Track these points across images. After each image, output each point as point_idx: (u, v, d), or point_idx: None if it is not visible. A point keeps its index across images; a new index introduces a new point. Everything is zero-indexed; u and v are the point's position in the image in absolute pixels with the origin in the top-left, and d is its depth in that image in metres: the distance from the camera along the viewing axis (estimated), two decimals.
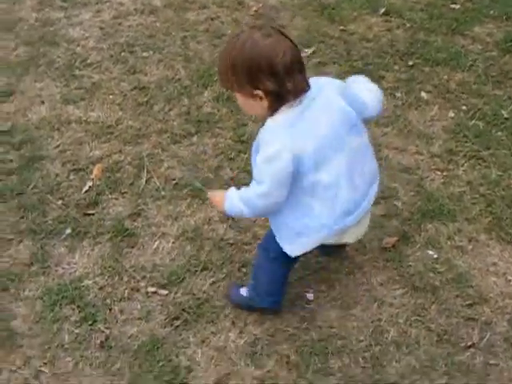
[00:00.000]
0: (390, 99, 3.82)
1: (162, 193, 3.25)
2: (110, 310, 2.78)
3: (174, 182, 3.30)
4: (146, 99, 3.76)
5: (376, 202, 3.08)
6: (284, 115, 2.10)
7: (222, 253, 2.97)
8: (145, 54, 4.08)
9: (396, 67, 4.08)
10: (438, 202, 3.22)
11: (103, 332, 2.70)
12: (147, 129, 3.57)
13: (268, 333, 2.69)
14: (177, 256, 2.98)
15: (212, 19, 4.42)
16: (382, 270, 2.94)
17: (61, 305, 2.78)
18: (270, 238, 2.41)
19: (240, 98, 2.16)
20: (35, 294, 2.83)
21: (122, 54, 4.08)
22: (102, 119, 3.64)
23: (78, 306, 2.77)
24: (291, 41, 2.09)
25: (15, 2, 4.60)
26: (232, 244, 3.01)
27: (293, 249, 2.34)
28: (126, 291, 2.85)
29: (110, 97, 3.78)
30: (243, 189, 2.25)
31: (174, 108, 3.71)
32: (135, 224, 3.11)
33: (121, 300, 2.82)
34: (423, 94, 3.87)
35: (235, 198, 2.25)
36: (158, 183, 3.29)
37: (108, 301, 2.80)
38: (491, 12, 4.56)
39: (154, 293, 2.84)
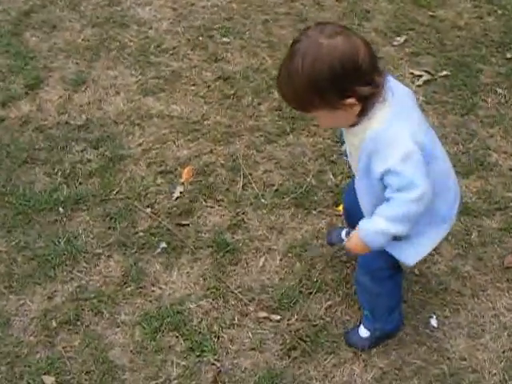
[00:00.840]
0: (491, 96, 3.46)
1: (262, 200, 2.92)
2: (219, 338, 2.48)
3: (274, 188, 2.97)
4: (232, 91, 3.40)
5: (490, 214, 2.77)
6: (384, 112, 1.86)
7: (336, 272, 2.65)
8: (225, 40, 3.72)
9: (493, 60, 3.72)
10: None
11: (214, 364, 2.40)
12: (237, 126, 3.24)
13: (395, 366, 2.40)
14: (286, 275, 2.66)
15: (292, 1, 4.02)
16: (506, 292, 2.63)
17: (163, 332, 2.48)
18: (369, 258, 2.15)
19: (323, 115, 1.87)
20: (132, 318, 2.52)
21: (200, 38, 3.71)
22: (186, 114, 3.30)
23: (182, 334, 2.47)
24: (349, 29, 1.85)
25: None
26: (346, 262, 2.68)
27: (411, 256, 2.13)
28: (235, 316, 2.52)
29: (193, 88, 3.44)
30: (380, 209, 1.95)
31: (263, 102, 3.37)
32: (236, 237, 2.79)
33: (229, 327, 2.51)
34: None
35: (374, 225, 1.95)
36: (256, 189, 2.96)
37: (215, 327, 2.49)
38: None
39: (265, 318, 2.54)
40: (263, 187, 2.98)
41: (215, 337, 2.48)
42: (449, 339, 2.48)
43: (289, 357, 2.43)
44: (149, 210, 2.89)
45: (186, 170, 3.00)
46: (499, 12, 4.08)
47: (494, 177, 3.07)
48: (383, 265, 2.20)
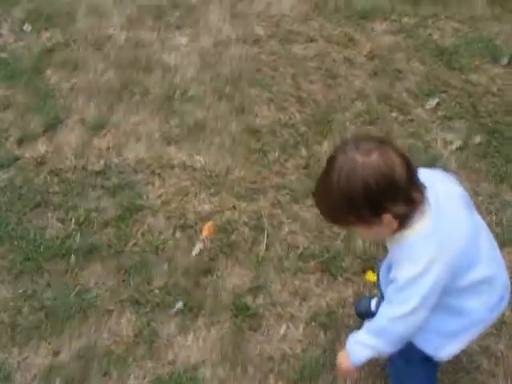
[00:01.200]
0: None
1: (286, 264, 2.75)
2: None
3: (299, 250, 2.80)
4: (258, 146, 3.26)
5: None
6: (422, 225, 1.80)
7: None
8: (252, 92, 3.57)
9: None
10: None
11: None
12: (262, 182, 3.08)
13: None
14: (309, 346, 2.49)
15: (322, 55, 3.92)
16: None
17: None
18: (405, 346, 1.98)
19: (360, 230, 1.84)
20: (142, 383, 2.33)
21: (227, 88, 3.58)
22: (209, 166, 3.16)
23: None
24: (387, 142, 1.79)
25: (102, 16, 4.12)
26: None
27: (442, 352, 2.02)
28: None
29: (217, 139, 3.28)
30: (367, 323, 1.94)
31: (290, 159, 3.22)
32: (257, 302, 2.62)
33: None
34: None
35: (359, 338, 1.94)
36: (280, 251, 2.79)
37: None
38: None
39: None
40: (287, 249, 2.82)
41: None
42: None
43: None
44: (166, 265, 2.71)
45: (206, 226, 2.84)
46: None
47: None
48: (420, 354, 2.04)
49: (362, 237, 2.10)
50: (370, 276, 2.72)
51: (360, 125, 3.46)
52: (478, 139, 3.48)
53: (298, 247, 2.83)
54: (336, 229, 2.91)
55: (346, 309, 2.62)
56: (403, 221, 1.77)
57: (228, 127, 3.39)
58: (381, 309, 1.89)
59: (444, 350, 2.01)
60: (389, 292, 1.86)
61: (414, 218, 1.77)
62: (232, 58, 3.86)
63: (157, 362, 2.41)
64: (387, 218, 1.73)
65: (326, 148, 3.31)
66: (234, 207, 2.98)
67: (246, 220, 2.93)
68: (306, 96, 3.64)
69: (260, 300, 2.64)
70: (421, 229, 1.78)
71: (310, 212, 3.00)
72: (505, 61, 4.10)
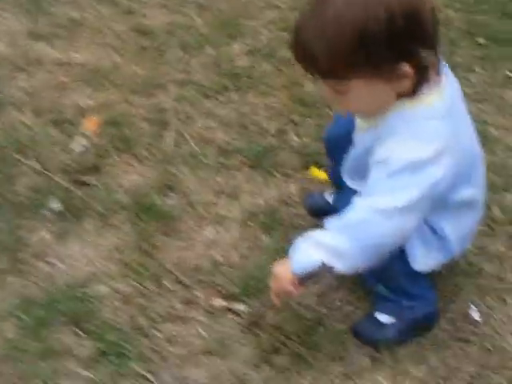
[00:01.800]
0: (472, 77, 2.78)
1: (203, 160, 2.00)
2: (148, 337, 1.48)
3: (218, 145, 2.06)
4: (153, 45, 2.52)
5: (510, 188, 2.02)
6: (435, 97, 1.34)
7: None
8: None
9: None
10: None
11: (142, 378, 1.39)
12: (162, 78, 2.34)
13: (440, 374, 1.53)
14: (249, 251, 1.76)
15: None
16: None
17: (53, 327, 1.47)
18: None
19: (356, 88, 1.30)
20: (3, 307, 1.48)
21: None
22: (91, 62, 2.37)
23: (87, 331, 1.51)
24: None
25: None
26: None
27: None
28: (174, 305, 1.56)
29: (99, 38, 2.53)
30: (329, 219, 1.41)
31: (194, 58, 2.50)
32: (168, 202, 1.85)
33: (166, 320, 1.55)
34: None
35: (312, 234, 1.40)
36: (194, 147, 2.04)
37: (142, 321, 1.52)
38: None
39: (224, 308, 1.60)
40: (203, 144, 2.07)
41: (143, 335, 1.49)
42: (505, 337, 1.61)
43: (270, 365, 1.47)
44: (38, 166, 1.89)
45: (89, 120, 2.05)
46: None
47: (501, 150, 2.32)
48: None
49: (346, 105, 1.39)
50: (315, 172, 2.04)
51: (275, 30, 2.80)
52: None
53: (217, 144, 2.09)
54: (263, 124, 2.21)
55: (292, 208, 1.90)
56: (421, 80, 1.30)
57: (112, 27, 2.63)
58: (355, 200, 1.36)
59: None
60: (372, 179, 1.35)
61: (427, 85, 1.32)
62: None
63: (25, 277, 1.57)
64: (406, 68, 1.26)
65: (237, 49, 2.63)
66: (127, 101, 2.22)
67: (144, 113, 2.17)
68: (206, 3, 2.94)
69: (173, 200, 1.87)
70: (434, 104, 1.33)
71: (226, 109, 2.28)
72: None
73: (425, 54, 1.27)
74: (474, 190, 1.52)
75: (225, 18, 2.78)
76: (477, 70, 2.78)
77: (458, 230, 1.52)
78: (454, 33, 3.02)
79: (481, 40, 3.06)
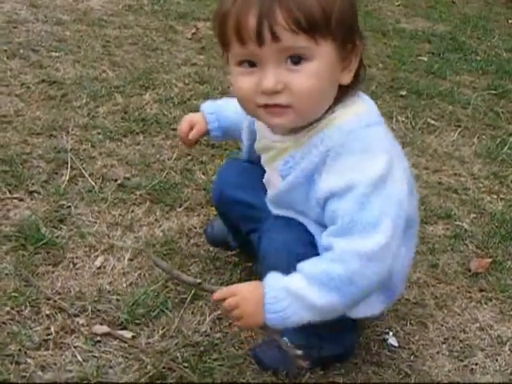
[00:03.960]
0: (395, 123, 2.82)
1: (100, 195, 1.92)
2: (19, 364, 1.37)
3: (118, 182, 1.99)
4: (60, 93, 2.48)
5: (431, 221, 2.01)
6: (360, 106, 1.24)
7: (222, 273, 1.67)
8: (53, 54, 2.85)
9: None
10: None
11: None
12: (65, 122, 2.28)
13: None
14: (140, 279, 1.66)
15: (138, 36, 3.29)
16: (484, 302, 1.77)
17: None
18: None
19: (323, 56, 1.15)
20: None
21: (21, 50, 2.81)
22: None
23: None
24: None
25: None
26: (236, 265, 1.72)
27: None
28: (51, 331, 1.44)
29: (4, 88, 2.47)
30: (309, 262, 1.21)
31: (102, 106, 2.46)
32: (58, 233, 1.75)
33: (41, 347, 1.42)
34: (432, 121, 2.90)
35: (301, 292, 1.18)
36: (91, 183, 1.97)
37: (13, 347, 1.39)
38: (464, 66, 3.78)
39: (108, 335, 1.48)
40: (102, 181, 2.00)
41: (14, 363, 1.36)
42: (424, 360, 1.54)
43: None
44: None
45: None
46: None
47: (422, 188, 2.32)
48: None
49: (298, 83, 1.15)
50: None
51: (189, 83, 2.80)
52: None
53: (116, 180, 2.04)
54: (168, 163, 2.16)
55: (192, 238, 1.82)
56: (357, 76, 1.23)
57: (20, 78, 2.59)
58: (335, 248, 1.17)
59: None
60: (344, 214, 1.16)
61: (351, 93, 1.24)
62: (30, 31, 3.11)
63: None
64: (359, 48, 1.21)
65: (148, 99, 2.60)
66: (25, 141, 2.15)
67: (41, 153, 2.09)
68: (120, 60, 2.95)
69: (63, 232, 1.77)
70: (362, 112, 1.22)
71: (131, 150, 2.24)
72: None
73: (360, 42, 1.21)
74: (416, 212, 1.40)
75: (139, 73, 2.78)
76: (399, 118, 2.82)
77: (404, 262, 1.36)
78: (377, 87, 3.07)
79: (403, 92, 3.13)
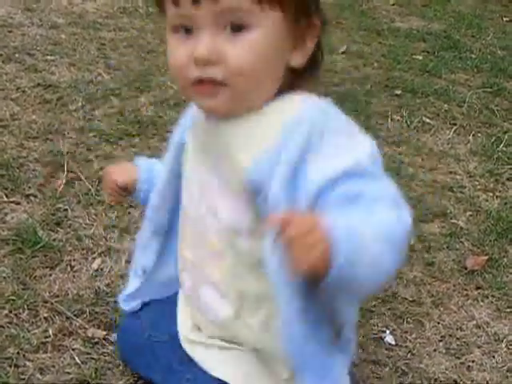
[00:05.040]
0: (390, 122, 2.83)
1: (97, 198, 1.92)
2: (18, 367, 1.36)
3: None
4: (55, 96, 2.49)
5: (427, 220, 2.02)
6: (317, 96, 1.04)
7: None
8: (49, 58, 2.85)
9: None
10: (511, 223, 2.15)
11: None
12: (61, 126, 2.29)
13: None
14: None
15: (134, 38, 3.30)
16: (481, 300, 1.78)
17: None
18: None
19: (268, 26, 0.97)
20: None
21: (16, 55, 2.82)
22: None
23: None
24: None
25: None
26: None
27: None
28: (49, 334, 1.44)
29: (0, 92, 2.48)
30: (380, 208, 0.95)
31: (98, 108, 2.46)
32: (55, 236, 1.76)
33: (38, 350, 1.43)
34: (427, 120, 2.91)
35: (358, 230, 0.89)
36: (88, 186, 1.97)
37: (12, 350, 1.39)
38: (459, 64, 3.79)
39: (106, 339, 1.47)
40: (98, 184, 2.00)
41: (13, 365, 1.38)
42: (421, 358, 1.54)
43: None
44: None
45: None
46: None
47: (417, 186, 2.33)
48: None
49: (237, 55, 0.97)
50: None
51: None
52: None
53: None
54: None
55: None
56: (314, 59, 1.04)
57: (15, 82, 2.60)
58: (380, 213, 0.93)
59: None
60: (369, 191, 0.93)
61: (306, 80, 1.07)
62: (25, 35, 3.12)
63: None
64: (316, 28, 1.02)
65: (144, 101, 2.61)
66: (21, 145, 2.16)
67: (37, 157, 2.10)
68: (115, 62, 2.95)
69: (60, 235, 1.78)
70: (320, 98, 1.03)
71: (127, 153, 2.24)
72: None
73: (318, 20, 1.02)
74: None
75: (135, 75, 2.78)
76: (394, 117, 2.83)
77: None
78: (372, 86, 3.08)
79: (398, 91, 3.14)
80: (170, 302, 1.26)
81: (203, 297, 1.10)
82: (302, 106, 0.99)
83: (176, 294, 1.27)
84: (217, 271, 1.06)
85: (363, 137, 1.00)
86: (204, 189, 1.07)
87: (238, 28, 0.95)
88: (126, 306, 1.34)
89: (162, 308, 1.28)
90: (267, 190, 0.95)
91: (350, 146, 0.97)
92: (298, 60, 1.02)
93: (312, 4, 1.01)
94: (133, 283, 1.33)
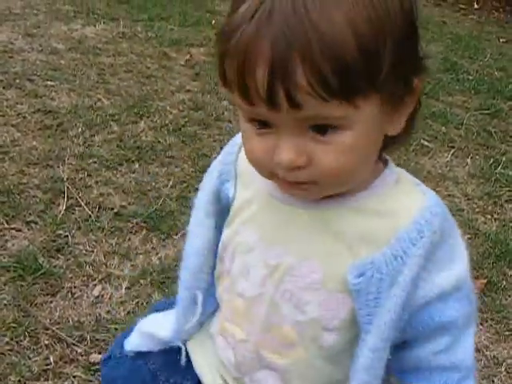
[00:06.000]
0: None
1: (97, 224, 1.94)
2: None
3: (114, 211, 2.01)
4: (55, 122, 2.50)
5: None
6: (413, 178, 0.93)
7: None
8: (49, 83, 2.87)
9: None
10: (509, 245, 2.16)
11: None
12: (61, 152, 2.30)
13: None
14: (139, 307, 1.66)
15: (132, 63, 3.33)
16: (480, 323, 1.77)
17: None
18: None
19: (364, 121, 0.77)
20: None
21: (17, 80, 2.84)
22: None
23: None
24: None
25: None
26: None
27: None
28: (50, 361, 1.45)
29: (0, 118, 2.50)
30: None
31: (98, 134, 2.48)
32: (55, 263, 1.77)
33: (40, 377, 1.43)
34: (426, 143, 2.93)
35: None
36: (88, 212, 1.98)
37: (13, 378, 1.38)
38: (456, 86, 3.82)
39: None
40: (98, 210, 2.01)
41: None
42: None
43: None
44: None
45: None
46: None
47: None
48: None
49: (330, 160, 0.78)
50: None
51: (184, 110, 2.83)
52: None
53: (112, 208, 2.05)
54: (164, 191, 2.18)
55: None
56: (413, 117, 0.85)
57: (16, 108, 2.62)
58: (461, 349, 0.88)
59: None
60: (459, 314, 0.86)
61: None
62: (25, 60, 3.15)
63: None
64: (418, 88, 0.82)
65: (143, 126, 2.63)
66: (21, 172, 2.17)
67: (38, 183, 2.11)
68: (115, 88, 2.97)
69: (60, 261, 1.79)
70: (408, 178, 0.91)
71: (126, 178, 2.25)
72: None
73: (422, 77, 0.83)
74: None
75: (134, 101, 2.80)
76: None
77: None
78: None
79: None
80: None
81: (259, 381, 0.95)
82: (421, 205, 0.85)
83: None
84: (283, 360, 0.91)
85: (460, 239, 0.89)
86: (280, 272, 0.88)
87: (324, 129, 0.77)
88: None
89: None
90: (370, 299, 0.84)
91: (453, 257, 0.86)
92: (396, 128, 0.83)
93: (414, 64, 0.81)
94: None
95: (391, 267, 0.82)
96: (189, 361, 1.01)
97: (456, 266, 0.85)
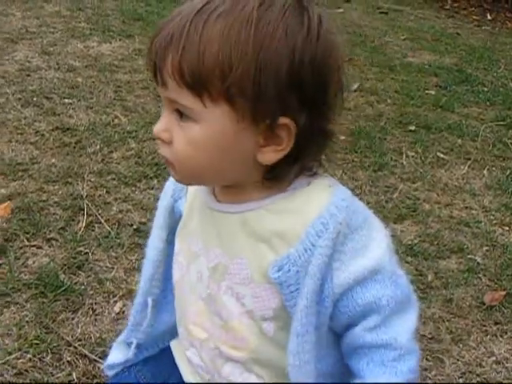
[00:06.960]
0: (405, 158, 2.86)
1: (117, 241, 1.95)
2: None
3: (134, 227, 2.02)
4: (73, 140, 2.53)
5: (444, 256, 2.04)
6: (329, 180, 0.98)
7: None
8: (66, 101, 2.91)
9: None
10: None
11: None
12: (80, 169, 2.32)
13: None
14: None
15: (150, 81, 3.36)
16: (499, 335, 1.78)
17: None
18: None
19: (206, 131, 0.89)
20: None
21: (35, 98, 2.88)
22: (7, 156, 2.36)
23: None
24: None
25: None
26: None
27: None
28: (73, 377, 1.46)
29: (19, 136, 2.53)
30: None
31: (116, 151, 2.51)
32: (76, 280, 1.78)
33: None
34: (442, 155, 2.94)
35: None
36: (108, 229, 2.00)
37: None
38: (471, 98, 3.82)
39: None
40: (118, 226, 2.04)
41: None
42: None
43: None
44: None
45: (1, 207, 2.01)
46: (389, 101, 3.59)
47: (434, 222, 2.35)
48: None
49: (184, 141, 0.90)
50: None
51: None
52: None
53: (131, 225, 2.07)
54: None
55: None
56: (301, 147, 0.92)
57: (34, 126, 2.65)
58: (394, 338, 0.94)
59: None
60: (387, 297, 0.94)
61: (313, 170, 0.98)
62: (42, 78, 3.19)
63: None
64: (287, 122, 0.88)
65: None
66: (41, 189, 2.19)
67: (58, 201, 2.14)
68: (131, 105, 3.00)
69: (81, 278, 1.80)
70: (323, 181, 0.98)
71: (145, 194, 2.27)
72: None
73: (305, 116, 0.89)
74: None
75: (151, 117, 2.83)
76: (409, 153, 2.85)
77: None
78: (386, 123, 3.12)
79: (412, 127, 3.18)
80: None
81: (226, 373, 1.02)
82: (326, 201, 0.93)
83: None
84: (240, 353, 0.99)
85: (379, 226, 0.96)
86: (219, 271, 0.98)
87: (181, 115, 0.89)
88: (111, 372, 1.22)
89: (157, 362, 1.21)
90: (292, 290, 0.93)
91: (369, 244, 0.94)
92: (270, 158, 0.90)
93: (284, 100, 0.87)
94: (122, 354, 1.25)
95: (303, 259, 0.91)
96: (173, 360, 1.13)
97: (371, 254, 0.93)
